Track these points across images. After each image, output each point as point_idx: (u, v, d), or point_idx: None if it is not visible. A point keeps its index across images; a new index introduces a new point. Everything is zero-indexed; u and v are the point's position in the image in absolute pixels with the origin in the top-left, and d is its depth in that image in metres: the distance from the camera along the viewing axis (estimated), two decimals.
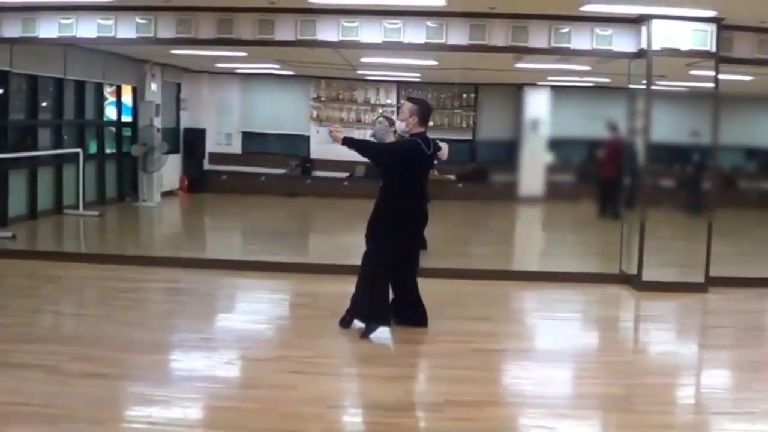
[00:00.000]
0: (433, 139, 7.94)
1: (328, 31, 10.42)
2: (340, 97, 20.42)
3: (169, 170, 19.02)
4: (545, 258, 13.15)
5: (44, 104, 15.12)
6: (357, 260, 8.03)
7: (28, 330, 7.87)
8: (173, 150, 19.63)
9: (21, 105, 14.41)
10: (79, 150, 15.48)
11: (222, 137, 20.11)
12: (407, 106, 7.94)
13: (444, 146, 8.19)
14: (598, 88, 17.77)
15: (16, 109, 14.17)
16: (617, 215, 16.30)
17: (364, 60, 15.18)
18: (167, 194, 18.84)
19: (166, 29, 10.60)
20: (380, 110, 19.72)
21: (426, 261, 10.57)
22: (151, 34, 10.63)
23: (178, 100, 20.07)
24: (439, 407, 5.98)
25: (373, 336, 7.64)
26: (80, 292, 9.87)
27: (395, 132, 8.12)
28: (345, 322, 7.98)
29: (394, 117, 7.92)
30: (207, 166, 20.55)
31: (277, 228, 14.00)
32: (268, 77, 19.91)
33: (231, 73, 19.85)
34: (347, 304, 8.08)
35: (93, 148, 16.82)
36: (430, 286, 8.51)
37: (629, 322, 9.50)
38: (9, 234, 12.62)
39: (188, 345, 7.44)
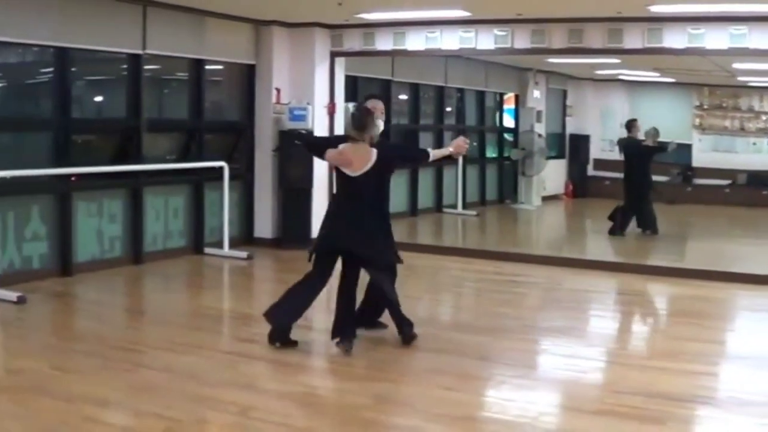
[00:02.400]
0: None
1: (674, 39, 10.50)
2: (724, 104, 20.06)
3: (554, 175, 19.76)
4: None
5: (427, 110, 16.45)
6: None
7: None
8: (558, 155, 20.34)
9: (403, 111, 15.78)
10: None
11: (606, 143, 20.42)
12: (381, 106, 7.43)
13: None
14: None
15: (398, 115, 15.56)
16: None
17: (736, 66, 14.94)
18: (551, 198, 19.54)
19: (522, 40, 11.26)
20: (764, 118, 19.17)
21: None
22: (508, 45, 11.35)
23: (564, 106, 20.70)
24: (719, 403, 6.09)
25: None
26: (432, 279, 10.86)
27: None
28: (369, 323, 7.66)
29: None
30: (591, 171, 20.95)
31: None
32: (651, 84, 19.98)
33: (615, 80, 20.14)
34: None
35: (474, 152, 17.90)
36: None
37: None
38: None
39: (506, 330, 8.04)
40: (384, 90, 14.79)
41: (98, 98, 11.68)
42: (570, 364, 7.03)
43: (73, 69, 10.16)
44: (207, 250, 11.63)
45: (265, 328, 7.41)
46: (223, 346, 7.50)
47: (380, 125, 7.22)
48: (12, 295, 8.54)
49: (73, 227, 10.05)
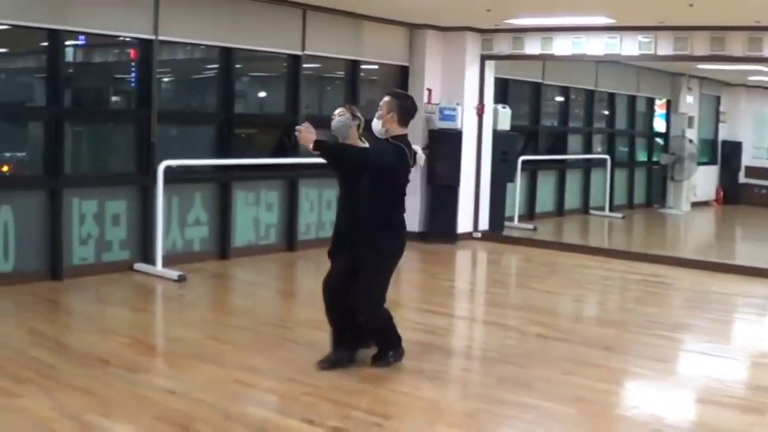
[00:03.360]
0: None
1: None
2: None
3: (705, 181, 19.68)
4: None
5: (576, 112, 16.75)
6: None
7: (509, 299, 9.53)
8: (710, 162, 20.23)
9: (553, 112, 16.14)
10: (607, 156, 16.90)
11: (759, 151, 20.20)
12: (386, 100, 6.43)
13: (419, 152, 6.69)
14: None
15: (548, 116, 15.92)
16: None
17: None
18: (701, 204, 19.46)
19: (665, 47, 11.47)
20: None
21: None
22: (652, 52, 11.58)
23: (717, 112, 20.57)
24: None
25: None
26: (572, 276, 11.22)
27: (359, 126, 6.66)
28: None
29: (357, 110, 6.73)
30: (742, 179, 20.72)
31: None
32: None
33: None
34: None
35: (623, 156, 18.11)
36: None
37: None
38: (531, 226, 14.35)
39: (632, 324, 8.34)
40: (534, 92, 15.18)
41: (259, 95, 12.50)
42: (685, 357, 7.42)
43: (237, 66, 10.95)
44: None
45: (405, 312, 8.00)
46: None
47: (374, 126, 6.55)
48: (173, 273, 9.35)
49: (232, 214, 10.83)
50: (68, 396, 5.63)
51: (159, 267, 9.53)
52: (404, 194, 6.60)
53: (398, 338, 6.65)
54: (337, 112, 6.73)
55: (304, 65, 11.50)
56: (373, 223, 6.43)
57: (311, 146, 6.24)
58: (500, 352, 7.24)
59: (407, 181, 6.57)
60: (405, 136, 6.42)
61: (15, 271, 8.93)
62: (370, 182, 6.41)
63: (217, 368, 6.32)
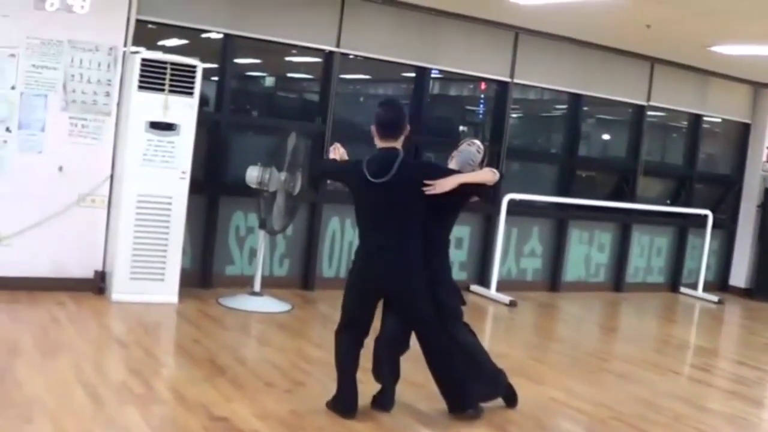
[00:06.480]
0: (421, 163, 5.49)
1: None
2: None
3: None
4: None
5: None
6: None
7: None
8: None
9: None
10: None
11: None
12: None
13: (450, 179, 5.47)
14: None
15: None
16: None
17: None
18: None
19: None
20: None
21: None
22: None
23: None
24: None
25: None
26: None
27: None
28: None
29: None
30: None
31: None
32: None
33: None
34: None
35: None
36: None
37: None
38: None
39: None
40: None
41: (602, 139, 13.17)
42: None
43: (584, 108, 11.72)
44: (682, 289, 12.66)
45: (717, 361, 8.42)
46: (675, 367, 8.57)
47: None
48: (505, 298, 10.26)
49: (566, 250, 11.60)
50: None
51: (493, 290, 10.48)
52: (370, 218, 5.53)
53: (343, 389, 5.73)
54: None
55: (648, 113, 12.05)
56: None
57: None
58: (738, 383, 7.75)
59: (371, 201, 5.49)
60: (391, 149, 5.44)
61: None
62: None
63: (535, 385, 7.03)
